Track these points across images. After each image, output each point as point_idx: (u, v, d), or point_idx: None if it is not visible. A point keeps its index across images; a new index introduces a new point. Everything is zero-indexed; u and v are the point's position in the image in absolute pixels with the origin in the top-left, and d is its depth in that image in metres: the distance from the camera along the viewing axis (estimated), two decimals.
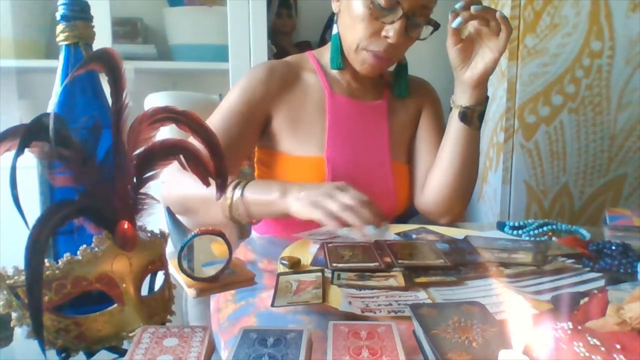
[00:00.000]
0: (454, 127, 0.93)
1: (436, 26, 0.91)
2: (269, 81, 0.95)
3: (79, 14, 0.49)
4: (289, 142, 0.96)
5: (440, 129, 1.05)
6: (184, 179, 0.84)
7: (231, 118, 0.92)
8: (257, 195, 0.80)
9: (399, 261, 0.64)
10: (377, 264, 0.64)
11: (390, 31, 0.86)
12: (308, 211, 0.72)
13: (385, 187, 0.97)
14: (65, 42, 0.49)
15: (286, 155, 0.96)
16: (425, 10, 0.88)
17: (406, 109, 1.05)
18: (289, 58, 1.04)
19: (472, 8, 0.81)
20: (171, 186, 0.87)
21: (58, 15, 0.49)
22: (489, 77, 0.88)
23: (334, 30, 0.97)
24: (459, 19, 0.82)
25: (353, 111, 0.99)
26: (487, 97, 0.92)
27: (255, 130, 0.95)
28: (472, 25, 0.86)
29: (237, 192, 0.81)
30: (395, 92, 1.03)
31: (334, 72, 1.00)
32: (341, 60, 0.96)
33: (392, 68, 1.01)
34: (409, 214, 1.11)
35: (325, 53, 1.01)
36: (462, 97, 0.91)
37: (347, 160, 0.95)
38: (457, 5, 0.82)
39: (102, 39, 1.46)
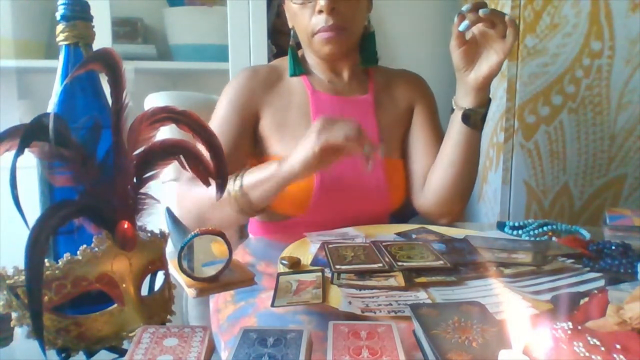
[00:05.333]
0: (456, 128, 0.91)
1: None
2: (252, 85, 0.97)
3: (79, 14, 0.49)
4: (277, 145, 0.96)
5: (435, 125, 1.04)
6: (191, 191, 0.86)
7: (224, 129, 0.93)
8: (256, 176, 0.80)
9: (399, 263, 0.64)
10: (380, 264, 0.64)
11: (320, 2, 0.89)
12: (318, 148, 0.73)
13: (376, 184, 0.96)
14: (65, 42, 0.49)
15: (276, 158, 0.95)
16: None
17: (395, 103, 1.03)
18: (274, 61, 1.06)
19: (480, 11, 0.79)
20: (183, 203, 0.89)
21: (58, 15, 0.49)
22: (492, 80, 0.87)
23: (291, 42, 1.00)
24: (466, 22, 0.81)
25: (338, 108, 0.98)
26: (490, 99, 0.91)
27: (251, 135, 0.97)
28: (477, 28, 0.84)
29: (237, 182, 0.81)
30: (362, 62, 1.03)
31: (316, 70, 1.01)
32: (296, 68, 0.99)
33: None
34: (408, 214, 1.11)
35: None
36: (465, 99, 0.90)
37: None
38: (464, 8, 0.81)
39: (102, 39, 1.46)
